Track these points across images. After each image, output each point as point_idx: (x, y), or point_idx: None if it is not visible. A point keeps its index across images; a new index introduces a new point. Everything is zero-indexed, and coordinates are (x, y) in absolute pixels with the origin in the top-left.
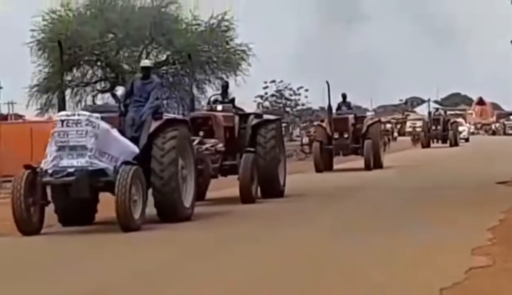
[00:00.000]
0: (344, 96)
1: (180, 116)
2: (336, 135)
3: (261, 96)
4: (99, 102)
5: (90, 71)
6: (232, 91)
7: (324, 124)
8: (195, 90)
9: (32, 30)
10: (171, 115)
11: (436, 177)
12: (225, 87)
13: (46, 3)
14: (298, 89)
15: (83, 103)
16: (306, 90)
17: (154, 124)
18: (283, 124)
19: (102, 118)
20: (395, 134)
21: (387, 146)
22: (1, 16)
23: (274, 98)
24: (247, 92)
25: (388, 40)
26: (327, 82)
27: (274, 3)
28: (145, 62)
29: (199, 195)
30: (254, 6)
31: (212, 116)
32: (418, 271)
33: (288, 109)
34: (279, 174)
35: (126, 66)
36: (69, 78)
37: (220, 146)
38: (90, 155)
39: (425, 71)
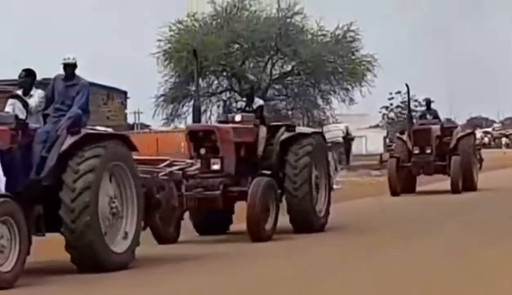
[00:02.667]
0: (428, 102)
1: (111, 130)
2: (416, 151)
3: (387, 108)
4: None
5: (216, 82)
6: (358, 102)
7: (404, 137)
8: (319, 101)
9: (159, 40)
10: (100, 129)
11: None
12: (250, 93)
13: (173, 14)
14: (423, 100)
15: (208, 113)
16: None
17: (69, 141)
18: None
19: None
20: None
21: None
22: (129, 26)
23: (399, 109)
24: (373, 103)
25: None
26: (406, 85)
27: (398, 14)
28: (68, 59)
29: (222, 226)
30: (380, 16)
31: (215, 129)
32: None
33: (414, 121)
34: (315, 203)
35: (251, 77)
36: (194, 88)
37: (193, 169)
38: None
39: None
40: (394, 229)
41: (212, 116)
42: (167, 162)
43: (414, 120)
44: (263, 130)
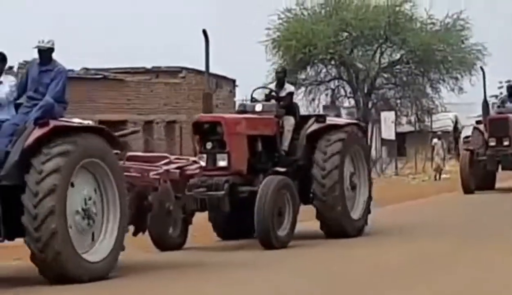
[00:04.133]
0: (510, 88)
1: (88, 123)
2: (492, 142)
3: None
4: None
5: (324, 70)
6: (467, 91)
7: (481, 127)
8: (428, 90)
9: (268, 28)
10: (74, 121)
11: None
12: (281, 78)
13: (282, 2)
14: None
15: (316, 102)
16: None
17: (35, 135)
18: None
19: None
20: None
21: None
22: (237, 14)
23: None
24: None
25: None
26: (481, 68)
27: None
28: (42, 41)
29: (248, 229)
30: (490, 4)
31: (221, 120)
32: None
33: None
34: (350, 205)
35: (360, 65)
36: (303, 76)
37: (194, 168)
38: None
39: None
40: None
41: (320, 104)
42: (166, 160)
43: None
44: (289, 122)
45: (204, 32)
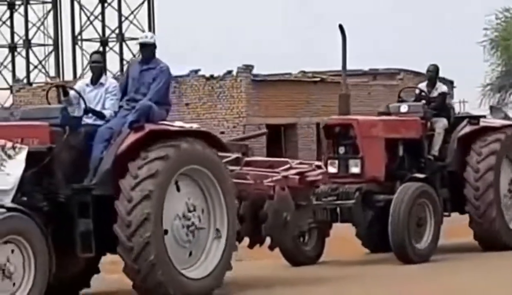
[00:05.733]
0: None
1: (191, 126)
2: None
3: None
4: None
5: None
6: None
7: None
8: None
9: (485, 28)
10: (175, 125)
11: None
12: (432, 76)
13: (500, 2)
14: None
15: None
16: None
17: (129, 140)
18: None
19: None
20: None
21: None
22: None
23: None
24: None
25: None
26: None
27: None
28: (146, 37)
29: None
30: None
31: (354, 122)
32: None
33: None
34: (509, 215)
35: None
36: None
37: (316, 174)
38: None
39: None
40: None
41: None
42: (286, 166)
43: None
44: (440, 125)
45: (341, 27)
